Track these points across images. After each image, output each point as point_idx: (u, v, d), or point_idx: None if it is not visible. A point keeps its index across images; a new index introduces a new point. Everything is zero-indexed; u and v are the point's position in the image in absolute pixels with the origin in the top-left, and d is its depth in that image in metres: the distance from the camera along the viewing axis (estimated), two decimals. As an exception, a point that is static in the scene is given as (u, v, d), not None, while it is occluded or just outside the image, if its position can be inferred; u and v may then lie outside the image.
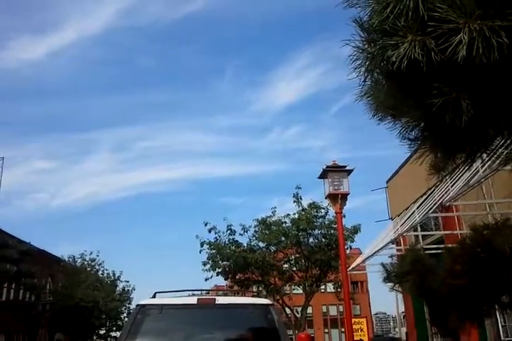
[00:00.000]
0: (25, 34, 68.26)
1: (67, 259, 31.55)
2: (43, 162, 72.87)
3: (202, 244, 24.08)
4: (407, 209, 14.27)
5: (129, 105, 79.70)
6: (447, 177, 7.28)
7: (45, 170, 71.47)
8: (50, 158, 77.85)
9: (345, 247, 15.05)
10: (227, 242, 24.21)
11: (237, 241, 24.38)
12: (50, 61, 69.41)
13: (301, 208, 23.70)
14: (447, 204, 9.48)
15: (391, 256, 10.27)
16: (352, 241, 23.71)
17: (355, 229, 23.40)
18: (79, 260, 31.48)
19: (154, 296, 5.78)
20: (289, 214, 24.08)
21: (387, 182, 18.82)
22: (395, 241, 13.09)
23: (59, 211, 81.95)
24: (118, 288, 34.84)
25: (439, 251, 9.78)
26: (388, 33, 2.36)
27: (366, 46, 2.50)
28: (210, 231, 24.12)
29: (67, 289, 28.28)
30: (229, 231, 24.24)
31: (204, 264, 24.02)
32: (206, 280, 24.55)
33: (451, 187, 9.23)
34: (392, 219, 17.28)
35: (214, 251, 23.96)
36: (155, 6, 69.53)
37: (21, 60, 66.60)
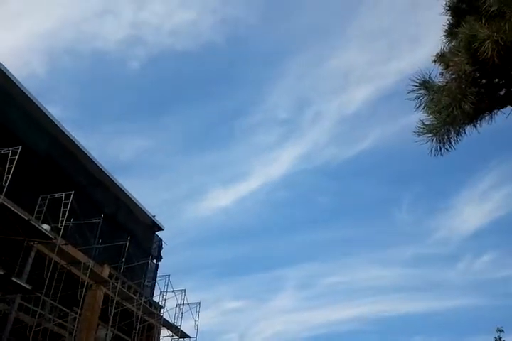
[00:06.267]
0: (218, 186, 77.59)
1: None
2: (233, 302, 75.89)
3: None
4: None
5: (311, 241, 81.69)
6: None
7: (234, 310, 73.89)
8: (239, 298, 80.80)
9: None
10: None
11: None
12: (237, 207, 76.68)
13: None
14: None
15: None
16: None
17: None
18: None
19: None
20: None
21: None
22: None
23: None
24: None
25: None
26: None
27: None
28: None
29: None
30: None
31: None
32: None
33: None
34: None
35: None
36: (329, 148, 74.85)
37: (214, 208, 74.80)
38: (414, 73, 5.54)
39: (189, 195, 76.38)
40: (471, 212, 77.51)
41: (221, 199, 75.21)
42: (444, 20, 6.49)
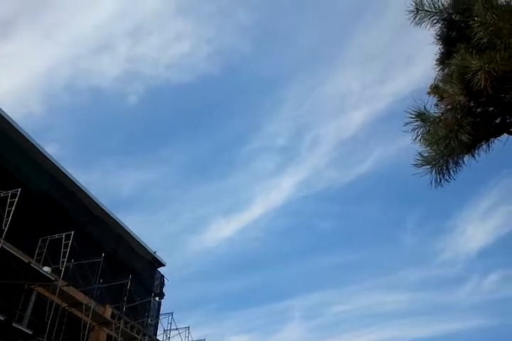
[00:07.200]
0: (220, 216, 77.26)
1: None
2: (239, 336, 74.38)
3: None
4: None
5: (316, 269, 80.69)
6: None
7: (240, 346, 72.34)
8: (245, 332, 79.29)
9: None
10: None
11: None
12: (240, 236, 76.22)
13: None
14: None
15: None
16: None
17: None
18: None
19: None
20: None
21: None
22: None
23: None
24: None
25: None
26: None
27: None
28: None
29: None
30: None
31: None
32: None
33: None
34: None
35: None
36: (329, 173, 74.96)
37: (217, 239, 74.31)
38: (409, 94, 5.59)
39: (192, 227, 75.94)
40: (475, 231, 76.91)
41: (223, 229, 74.72)
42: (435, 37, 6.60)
